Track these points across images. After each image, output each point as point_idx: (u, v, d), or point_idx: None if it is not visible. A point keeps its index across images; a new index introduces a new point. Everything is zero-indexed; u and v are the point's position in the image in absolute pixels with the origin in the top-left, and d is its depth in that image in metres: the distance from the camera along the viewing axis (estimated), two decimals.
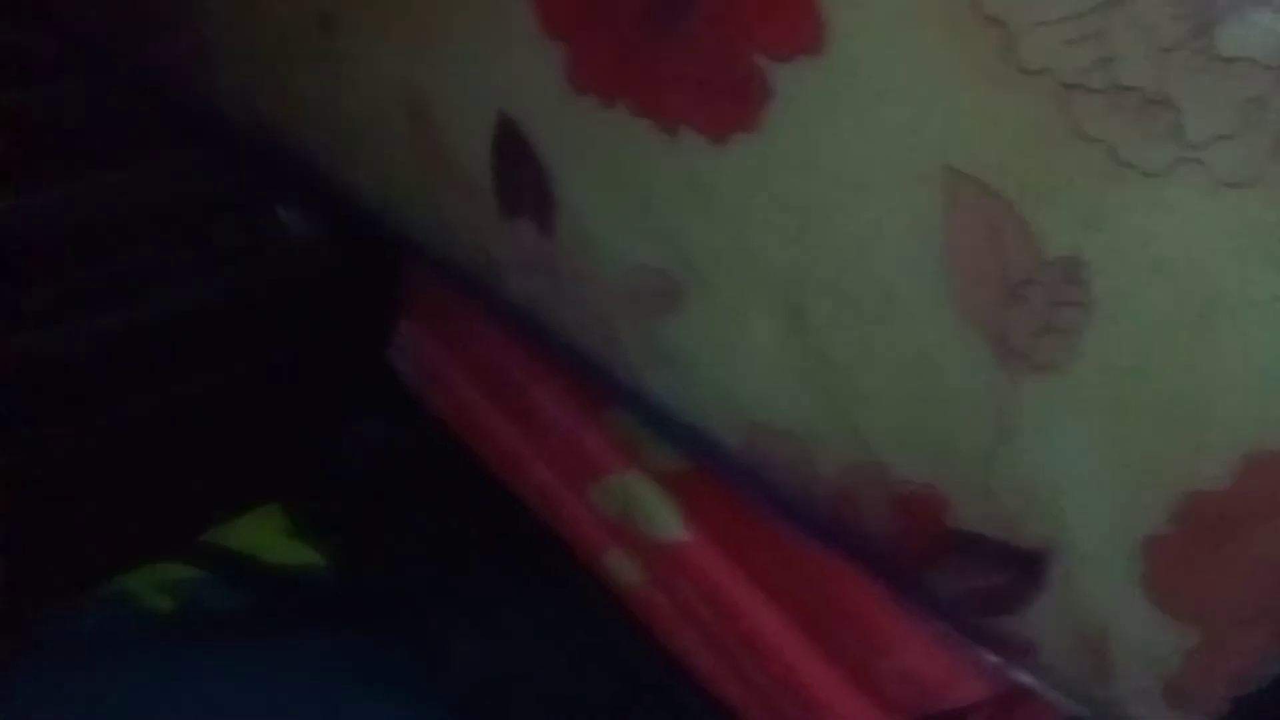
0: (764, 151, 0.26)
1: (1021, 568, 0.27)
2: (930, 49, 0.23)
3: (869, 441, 0.28)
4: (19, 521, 0.40)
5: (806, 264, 0.27)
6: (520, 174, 0.32)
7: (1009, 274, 0.24)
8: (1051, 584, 0.26)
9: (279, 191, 0.41)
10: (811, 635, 0.36)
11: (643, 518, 0.39)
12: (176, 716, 0.37)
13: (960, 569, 0.28)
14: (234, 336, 0.41)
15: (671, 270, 0.30)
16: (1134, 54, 0.21)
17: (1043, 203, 0.23)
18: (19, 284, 0.37)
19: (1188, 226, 0.21)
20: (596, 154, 0.30)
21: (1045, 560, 0.26)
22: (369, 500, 0.45)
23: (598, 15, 0.28)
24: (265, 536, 0.45)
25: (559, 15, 0.29)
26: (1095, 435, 0.24)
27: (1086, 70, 0.21)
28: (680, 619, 0.39)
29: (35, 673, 0.39)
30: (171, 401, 0.41)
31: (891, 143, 0.24)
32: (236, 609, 0.41)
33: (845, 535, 0.31)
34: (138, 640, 0.40)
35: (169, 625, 0.41)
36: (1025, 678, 0.30)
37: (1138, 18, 0.20)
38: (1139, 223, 0.22)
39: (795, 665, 0.36)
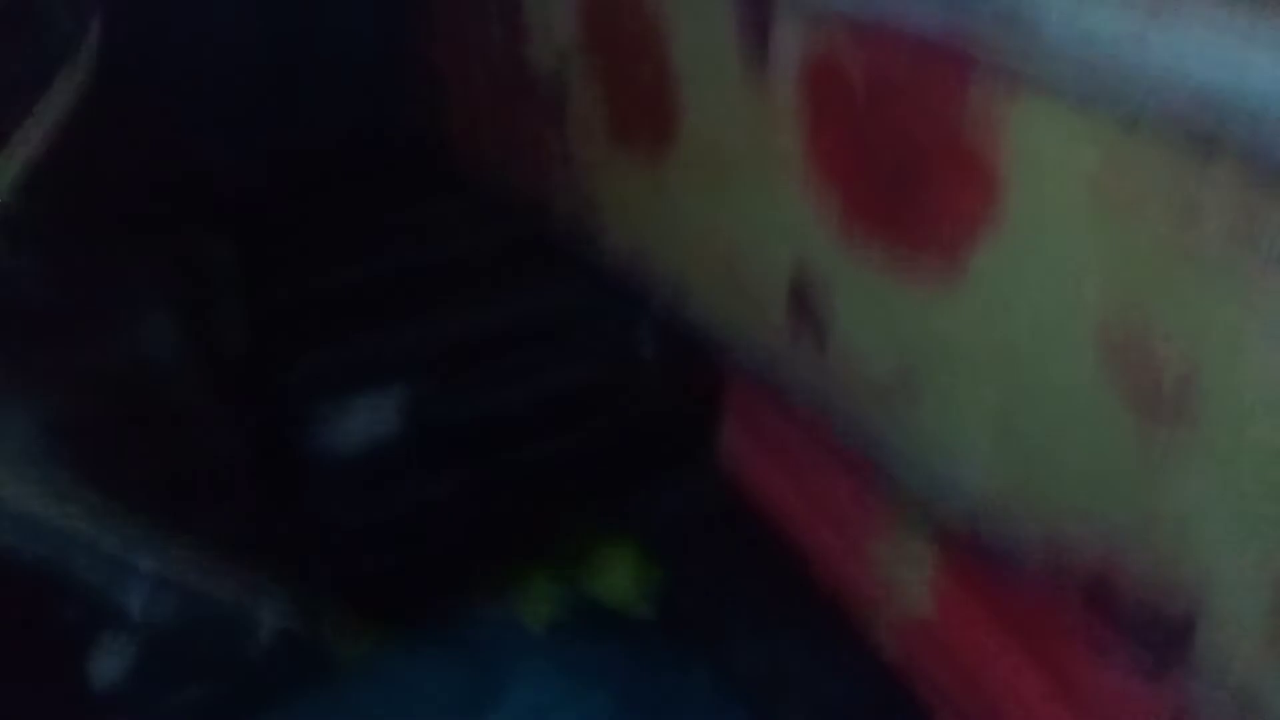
0: (972, 289, 0.36)
1: (1176, 629, 0.33)
2: (1082, 228, 0.31)
3: (1059, 513, 0.36)
4: (427, 535, 0.56)
5: (1011, 372, 0.36)
6: (805, 308, 0.43)
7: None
8: (1199, 650, 0.32)
9: (637, 313, 0.56)
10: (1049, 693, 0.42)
11: (903, 578, 0.48)
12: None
13: (1135, 627, 0.35)
14: (595, 413, 0.56)
15: (912, 375, 0.40)
16: None
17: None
18: (459, 369, 0.54)
19: None
20: (858, 289, 0.41)
21: (1195, 623, 0.32)
22: (695, 545, 0.58)
23: (860, 192, 0.39)
24: (614, 588, 0.59)
25: (833, 192, 0.40)
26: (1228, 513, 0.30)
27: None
28: (930, 673, 0.47)
29: (430, 666, 0.54)
30: (551, 455, 0.56)
31: (1059, 287, 0.33)
32: (590, 622, 0.55)
33: (1046, 594, 0.38)
34: (516, 647, 0.55)
35: (540, 640, 0.55)
36: None
37: None
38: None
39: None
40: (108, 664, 0.46)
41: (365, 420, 0.52)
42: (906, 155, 0.36)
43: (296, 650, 0.51)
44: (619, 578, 0.58)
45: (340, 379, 0.53)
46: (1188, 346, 0.30)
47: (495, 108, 0.61)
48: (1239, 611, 0.31)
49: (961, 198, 0.35)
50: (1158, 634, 0.34)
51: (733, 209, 0.46)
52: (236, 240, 0.58)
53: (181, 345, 0.47)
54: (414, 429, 0.52)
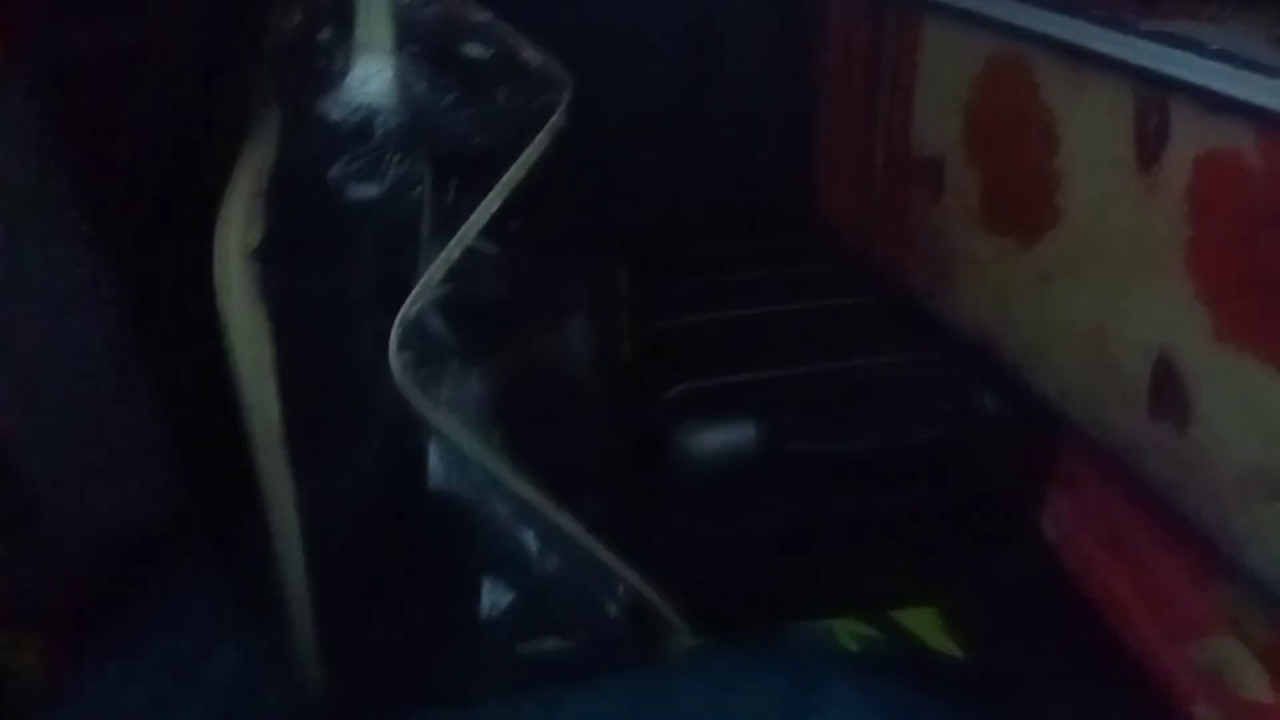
0: None
1: None
2: None
3: None
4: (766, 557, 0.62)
5: None
6: (1167, 392, 0.46)
7: None
8: None
9: (983, 383, 0.60)
10: None
11: (1235, 678, 0.48)
12: None
13: None
14: (929, 474, 0.60)
15: (1275, 470, 0.42)
16: None
17: None
18: (814, 411, 0.60)
19: None
20: (1227, 382, 0.43)
21: None
22: (1000, 614, 0.60)
23: (1238, 291, 0.42)
24: (926, 624, 0.62)
25: (1210, 288, 0.43)
26: None
27: None
28: None
29: (749, 672, 0.59)
30: (881, 508, 0.61)
31: None
32: (903, 659, 0.59)
33: None
34: (831, 665, 0.59)
35: (853, 661, 0.60)
36: None
37: None
38: None
39: None
40: (493, 600, 0.55)
41: (726, 442, 0.59)
42: None
43: (639, 631, 0.58)
44: (932, 628, 0.61)
45: (709, 402, 0.60)
46: None
47: (869, 187, 0.68)
48: None
49: None
50: None
51: (1102, 294, 0.49)
52: (632, 274, 0.68)
53: (593, 347, 0.57)
54: (769, 458, 0.59)
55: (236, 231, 0.48)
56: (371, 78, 0.50)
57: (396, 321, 0.48)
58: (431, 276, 0.50)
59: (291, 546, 0.51)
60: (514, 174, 0.53)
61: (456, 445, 0.52)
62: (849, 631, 0.61)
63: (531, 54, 0.59)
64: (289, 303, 0.49)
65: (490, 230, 0.52)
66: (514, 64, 0.57)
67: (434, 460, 0.51)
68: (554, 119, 0.55)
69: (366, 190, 0.49)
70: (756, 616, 0.62)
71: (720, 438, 0.59)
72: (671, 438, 0.60)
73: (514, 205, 0.53)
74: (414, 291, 0.49)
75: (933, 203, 0.61)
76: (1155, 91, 0.44)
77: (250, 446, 0.49)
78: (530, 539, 0.54)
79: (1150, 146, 0.45)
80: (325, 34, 0.51)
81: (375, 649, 0.54)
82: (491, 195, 0.52)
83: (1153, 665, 0.53)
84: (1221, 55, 0.41)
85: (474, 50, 0.55)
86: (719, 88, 0.83)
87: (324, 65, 0.50)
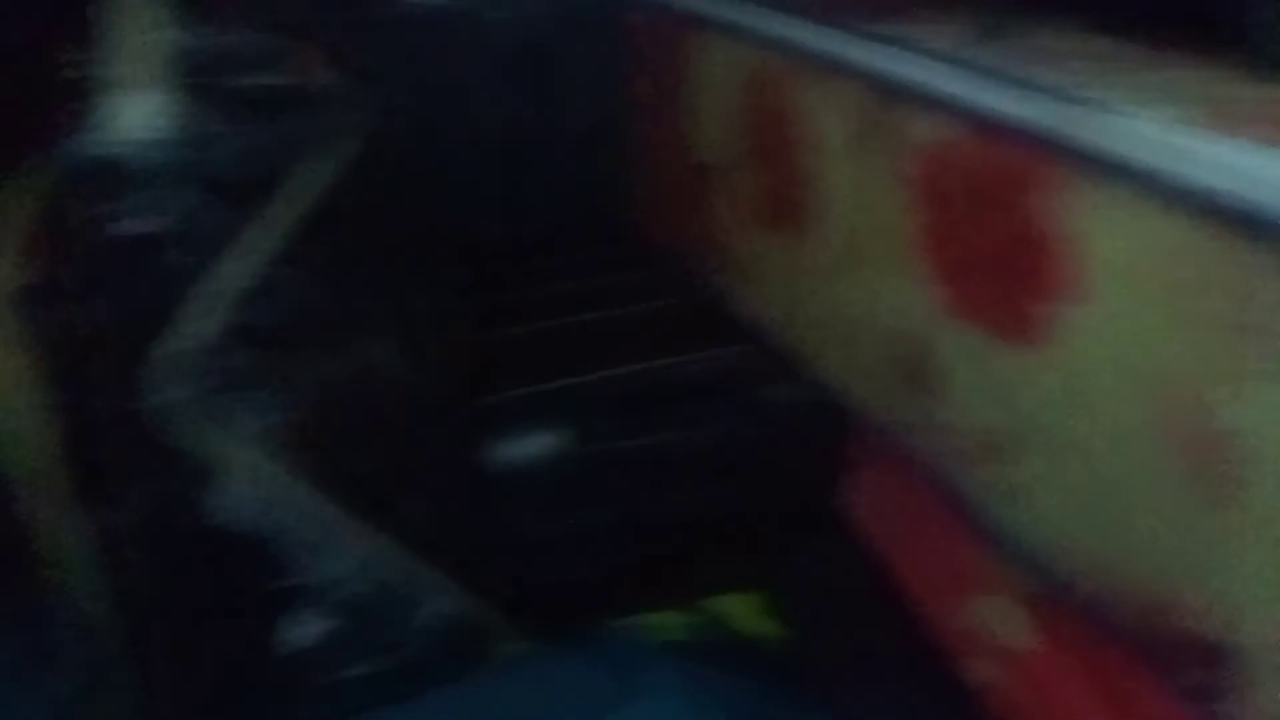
0: (1059, 357, 0.41)
1: (1227, 663, 0.36)
2: (1150, 304, 0.37)
3: (1133, 563, 0.40)
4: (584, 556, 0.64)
5: (1090, 433, 0.41)
6: (923, 369, 0.49)
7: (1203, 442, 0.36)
8: (1256, 682, 0.36)
9: (777, 370, 0.63)
10: None
11: (1003, 631, 0.52)
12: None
13: (1193, 663, 0.38)
14: (733, 465, 0.63)
15: (1013, 432, 0.45)
16: None
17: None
18: (627, 412, 0.62)
19: None
20: (965, 355, 0.46)
21: (1241, 659, 0.36)
22: (817, 594, 0.63)
23: (967, 271, 0.45)
24: (746, 611, 0.65)
25: (945, 270, 0.46)
26: (1266, 560, 0.34)
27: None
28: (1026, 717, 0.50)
29: (566, 670, 0.60)
30: (692, 503, 0.63)
31: (1128, 359, 0.38)
32: (721, 649, 0.61)
33: (1126, 639, 0.42)
34: (652, 656, 0.61)
35: (674, 650, 0.62)
36: None
37: None
38: None
39: None
40: (298, 633, 0.55)
41: (545, 447, 0.61)
42: (1007, 240, 0.42)
43: (462, 641, 0.59)
44: (750, 614, 0.64)
45: (529, 409, 0.62)
46: (1239, 419, 0.34)
47: (671, 194, 0.71)
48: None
49: (1055, 276, 0.40)
50: (1208, 663, 0.37)
51: (858, 284, 0.53)
52: (464, 289, 0.70)
53: (400, 366, 0.58)
54: (585, 460, 0.61)
55: (3, 273, 0.48)
56: (137, 113, 0.50)
57: (176, 353, 0.49)
58: (212, 306, 0.50)
59: (87, 590, 0.51)
60: (300, 199, 0.53)
61: (254, 474, 0.52)
62: (671, 622, 0.63)
63: (326, 79, 0.60)
64: (62, 342, 0.48)
65: (287, 254, 0.53)
66: (303, 91, 0.58)
67: (229, 492, 0.51)
68: (345, 142, 0.56)
69: (136, 225, 0.49)
70: (581, 615, 0.64)
71: (535, 443, 0.60)
72: (490, 448, 0.61)
73: (314, 228, 0.53)
74: (191, 323, 0.49)
75: (721, 206, 0.64)
76: (877, 88, 0.47)
77: (31, 490, 0.48)
78: (342, 563, 0.55)
79: (879, 140, 0.48)
80: (88, 71, 0.51)
81: (184, 687, 0.54)
82: (275, 222, 0.53)
83: (938, 628, 0.56)
84: (925, 52, 0.45)
85: (257, 79, 0.56)
86: (547, 108, 0.85)
87: (87, 103, 0.50)
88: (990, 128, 0.41)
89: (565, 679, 0.58)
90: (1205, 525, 0.36)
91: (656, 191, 0.75)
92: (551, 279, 0.77)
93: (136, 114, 0.50)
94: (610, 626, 0.62)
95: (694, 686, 0.58)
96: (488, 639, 0.60)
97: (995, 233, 0.43)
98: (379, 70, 0.70)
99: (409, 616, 0.58)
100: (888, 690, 0.58)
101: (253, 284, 0.51)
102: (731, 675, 0.60)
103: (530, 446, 0.61)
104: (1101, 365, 0.39)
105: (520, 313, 0.72)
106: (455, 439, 0.61)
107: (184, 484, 0.49)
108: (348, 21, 0.74)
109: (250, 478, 0.51)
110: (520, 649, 0.60)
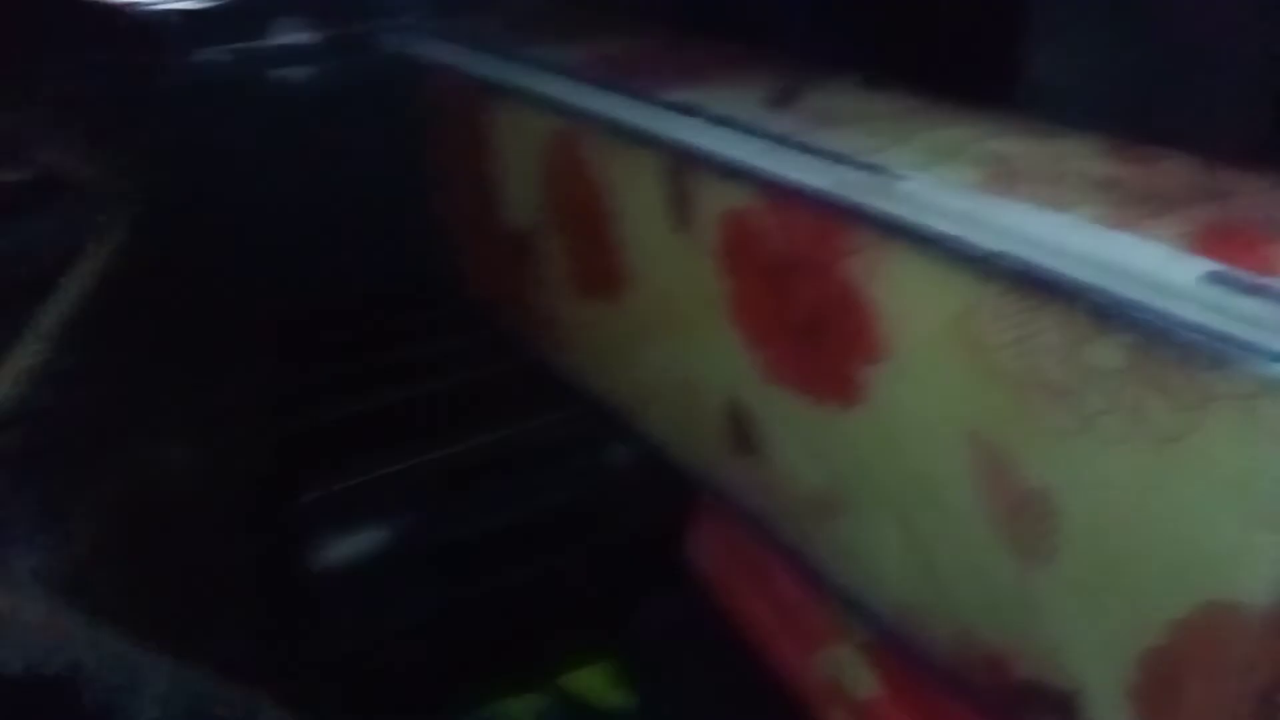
0: (868, 417, 0.41)
1: (1064, 706, 0.37)
2: (949, 363, 0.37)
3: (959, 614, 0.41)
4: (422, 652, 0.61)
5: (907, 490, 0.41)
6: (741, 432, 0.49)
7: (1011, 497, 0.36)
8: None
9: (614, 441, 0.62)
10: None
11: (850, 681, 0.52)
12: None
13: (1031, 709, 0.39)
14: (574, 533, 0.62)
15: (834, 491, 0.45)
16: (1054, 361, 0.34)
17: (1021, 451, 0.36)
18: (454, 494, 0.60)
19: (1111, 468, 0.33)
20: (783, 417, 0.46)
21: (1076, 701, 0.37)
22: (668, 659, 0.62)
23: (775, 336, 0.45)
24: (596, 683, 0.63)
25: (754, 335, 0.46)
26: (1082, 608, 0.35)
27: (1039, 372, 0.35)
28: None
29: None
30: (532, 576, 0.61)
31: (936, 418, 0.38)
32: None
33: (960, 686, 0.42)
34: None
35: None
36: None
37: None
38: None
39: None
40: None
41: (371, 542, 0.57)
42: (810, 304, 0.42)
43: None
44: (600, 686, 0.62)
45: (345, 504, 0.58)
46: (1044, 473, 0.35)
47: (489, 260, 0.69)
48: (1107, 691, 0.36)
49: (856, 338, 0.41)
50: (1046, 708, 0.38)
51: (675, 348, 0.52)
52: (275, 371, 0.66)
53: (195, 472, 0.53)
54: (415, 550, 0.58)
55: None
56: None
57: None
58: None
59: None
60: (63, 301, 0.49)
61: (32, 620, 0.47)
62: (521, 707, 0.60)
63: (87, 175, 0.56)
64: None
65: (48, 366, 0.48)
66: (61, 187, 0.53)
67: (8, 641, 0.46)
68: (111, 232, 0.52)
69: None
70: (429, 714, 0.61)
71: (359, 539, 0.57)
72: (304, 551, 0.57)
73: (81, 330, 0.49)
74: None
75: (534, 272, 0.63)
76: (676, 158, 0.47)
77: None
78: (142, 705, 0.50)
79: (682, 209, 0.48)
80: None
81: None
82: (34, 332, 0.48)
83: (791, 680, 0.56)
84: (721, 121, 0.45)
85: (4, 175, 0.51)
86: (350, 173, 0.81)
87: None
88: (787, 196, 0.42)
89: None
90: (1024, 579, 0.37)
91: (471, 256, 0.73)
92: (368, 352, 0.73)
93: None
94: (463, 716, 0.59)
95: None
96: None
97: (800, 298, 0.43)
98: (159, 145, 0.65)
99: None
100: None
101: (7, 405, 0.46)
102: None
103: (354, 544, 0.58)
104: (912, 425, 0.40)
105: (337, 392, 0.69)
106: (268, 546, 0.56)
107: None
108: (118, 96, 0.69)
109: (28, 625, 0.46)
110: None
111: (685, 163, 0.47)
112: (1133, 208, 0.34)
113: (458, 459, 0.63)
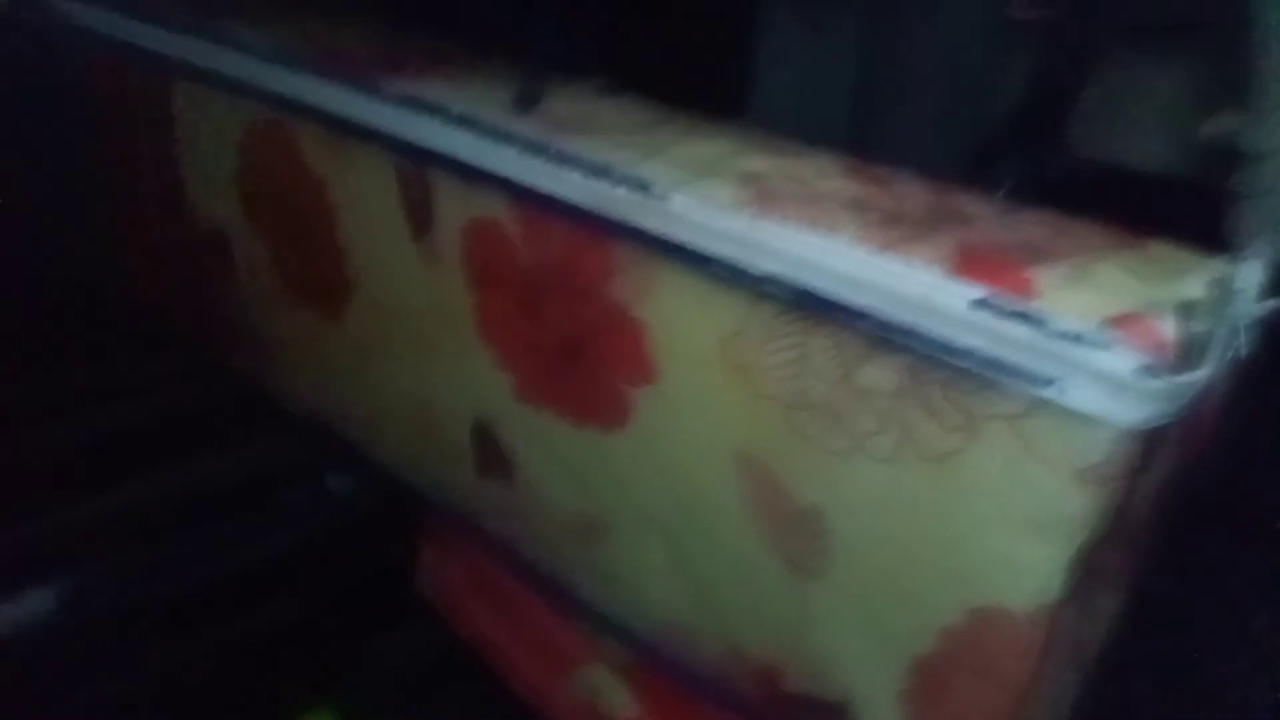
0: (633, 440, 0.40)
1: (836, 715, 0.38)
2: (718, 385, 0.37)
3: (729, 631, 0.40)
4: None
5: (674, 512, 0.40)
6: (489, 452, 0.46)
7: (782, 516, 0.36)
8: None
9: (329, 462, 0.56)
10: None
11: (606, 701, 0.51)
12: None
13: (803, 719, 0.40)
14: (294, 572, 0.55)
15: (593, 514, 0.43)
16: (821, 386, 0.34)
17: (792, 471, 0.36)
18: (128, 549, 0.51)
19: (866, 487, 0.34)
20: (537, 438, 0.44)
21: (848, 710, 0.38)
22: (402, 699, 0.57)
23: (528, 354, 0.43)
24: None
25: (505, 353, 0.43)
26: (856, 621, 0.36)
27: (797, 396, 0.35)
28: None
29: None
30: (250, 624, 0.54)
31: (706, 440, 0.38)
32: None
33: (730, 701, 0.42)
34: None
35: None
36: None
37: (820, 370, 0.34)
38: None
39: None
40: None
41: (42, 604, 0.48)
42: (568, 321, 0.40)
43: None
44: None
45: (15, 560, 0.48)
46: (815, 493, 0.35)
47: (169, 266, 0.60)
48: (879, 699, 0.37)
49: (620, 359, 0.39)
50: (818, 718, 0.39)
51: (412, 364, 0.48)
52: None
53: None
54: (97, 612, 0.49)
55: None
56: None
57: None
58: None
59: None
60: None
61: None
62: None
63: None
64: None
65: None
66: None
67: None
68: None
69: None
70: None
71: (14, 613, 0.48)
72: None
73: None
74: None
75: (230, 278, 0.55)
76: (412, 160, 0.43)
77: None
78: None
79: (419, 216, 0.44)
80: None
81: None
82: None
83: (542, 704, 0.54)
84: (465, 122, 0.41)
85: None
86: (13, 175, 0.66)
87: None
88: (544, 208, 0.39)
89: None
90: (796, 594, 0.37)
91: (147, 259, 0.63)
92: (36, 378, 0.61)
93: None
94: None
95: None
96: None
97: (556, 315, 0.41)
98: None
99: None
100: None
101: None
102: None
103: (20, 608, 0.48)
104: (682, 447, 0.39)
105: (10, 426, 0.57)
106: None
107: None
108: None
109: None
110: None
111: (424, 165, 0.43)
112: (888, 230, 0.34)
113: (142, 503, 0.55)
